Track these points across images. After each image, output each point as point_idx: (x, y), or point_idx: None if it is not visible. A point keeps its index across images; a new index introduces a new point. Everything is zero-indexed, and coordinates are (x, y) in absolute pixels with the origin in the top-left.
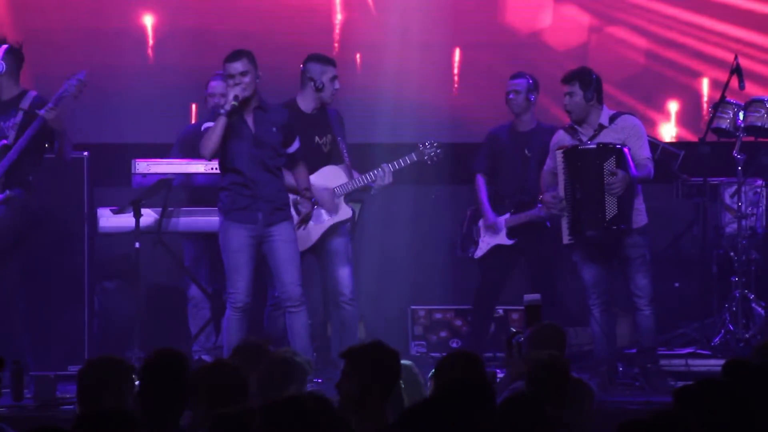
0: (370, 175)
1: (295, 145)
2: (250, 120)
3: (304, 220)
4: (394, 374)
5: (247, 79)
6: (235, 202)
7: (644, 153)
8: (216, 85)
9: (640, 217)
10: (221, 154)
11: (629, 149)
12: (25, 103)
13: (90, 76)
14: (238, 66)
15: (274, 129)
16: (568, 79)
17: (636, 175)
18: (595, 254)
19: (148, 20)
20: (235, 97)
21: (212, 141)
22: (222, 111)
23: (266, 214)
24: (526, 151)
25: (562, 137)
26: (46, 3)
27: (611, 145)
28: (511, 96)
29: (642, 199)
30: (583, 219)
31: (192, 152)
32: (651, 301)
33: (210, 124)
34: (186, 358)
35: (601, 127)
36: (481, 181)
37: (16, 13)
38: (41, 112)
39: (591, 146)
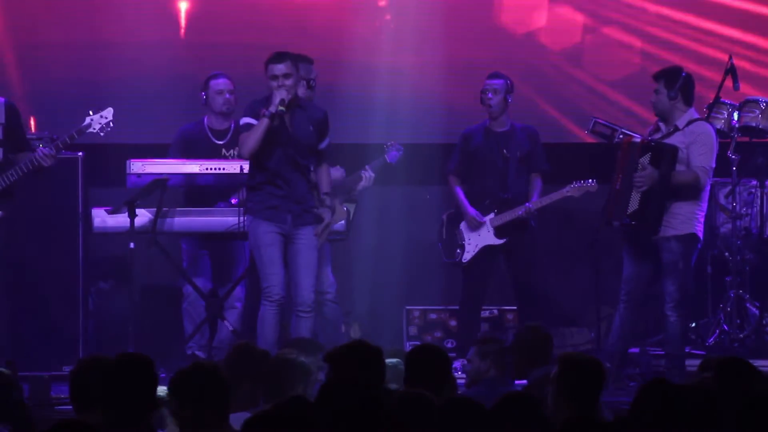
0: (357, 177)
1: (326, 142)
2: (287, 119)
3: (326, 228)
4: (380, 373)
5: (289, 82)
6: (264, 202)
7: (699, 161)
8: (223, 82)
9: (681, 224)
10: (258, 153)
11: (690, 153)
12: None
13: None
14: (282, 68)
15: (311, 128)
16: (656, 76)
17: (674, 179)
18: (636, 252)
19: (143, 21)
20: (282, 101)
21: (253, 141)
22: (266, 113)
23: (295, 215)
24: (505, 152)
25: (651, 132)
26: (40, 2)
27: (654, 143)
28: (489, 95)
29: (693, 206)
30: (612, 209)
31: (192, 152)
32: (678, 308)
33: (249, 120)
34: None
35: (676, 128)
36: (455, 182)
37: (9, 14)
38: (39, 155)
39: (637, 140)
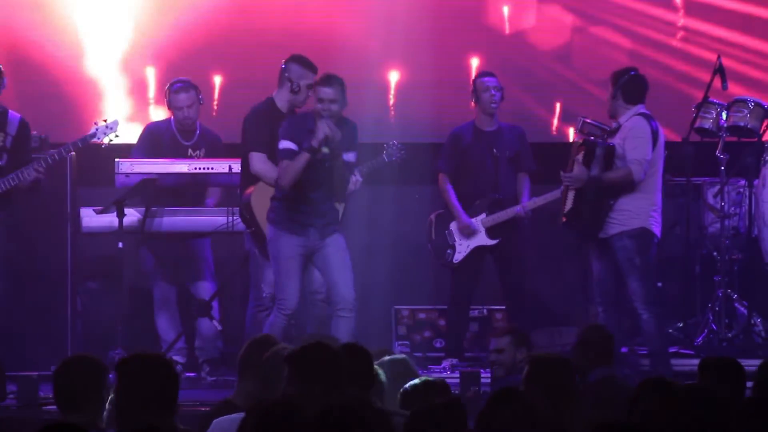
0: None
1: (351, 156)
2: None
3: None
4: (336, 374)
5: (335, 107)
6: (288, 215)
7: (632, 155)
8: (183, 98)
9: (630, 219)
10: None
11: (625, 149)
12: (11, 128)
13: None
14: (330, 92)
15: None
16: None
17: (603, 174)
18: (597, 250)
19: (134, 22)
20: (326, 138)
21: (294, 174)
22: (309, 146)
23: (318, 228)
24: (495, 151)
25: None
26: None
27: (587, 141)
28: (493, 92)
29: (641, 201)
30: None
31: (158, 150)
32: (646, 304)
33: (289, 145)
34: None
35: (619, 126)
36: (446, 182)
37: None
38: (31, 173)
39: (577, 140)
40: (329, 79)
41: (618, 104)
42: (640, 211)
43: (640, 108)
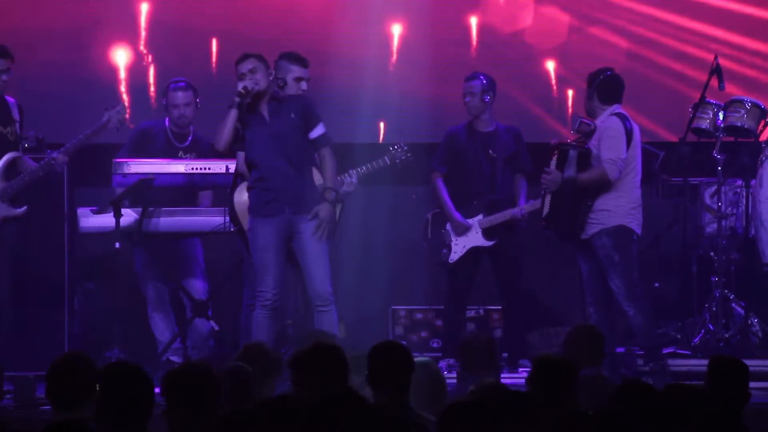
0: (339, 181)
1: (318, 130)
2: (266, 113)
3: (320, 225)
4: (343, 372)
5: (257, 75)
6: (260, 199)
7: (606, 154)
8: (180, 96)
9: (608, 218)
10: (246, 153)
11: (600, 149)
12: (15, 113)
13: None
14: (246, 65)
15: (292, 115)
16: None
17: (578, 175)
18: (585, 254)
19: (130, 21)
20: (244, 88)
21: (224, 132)
22: (229, 104)
23: (292, 204)
24: (491, 152)
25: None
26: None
27: (560, 144)
28: (467, 99)
29: (619, 200)
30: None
31: (148, 151)
32: (629, 300)
33: None
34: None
35: (596, 127)
36: (440, 181)
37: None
38: (57, 161)
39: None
40: (244, 55)
41: (594, 105)
42: (619, 210)
43: (616, 108)
